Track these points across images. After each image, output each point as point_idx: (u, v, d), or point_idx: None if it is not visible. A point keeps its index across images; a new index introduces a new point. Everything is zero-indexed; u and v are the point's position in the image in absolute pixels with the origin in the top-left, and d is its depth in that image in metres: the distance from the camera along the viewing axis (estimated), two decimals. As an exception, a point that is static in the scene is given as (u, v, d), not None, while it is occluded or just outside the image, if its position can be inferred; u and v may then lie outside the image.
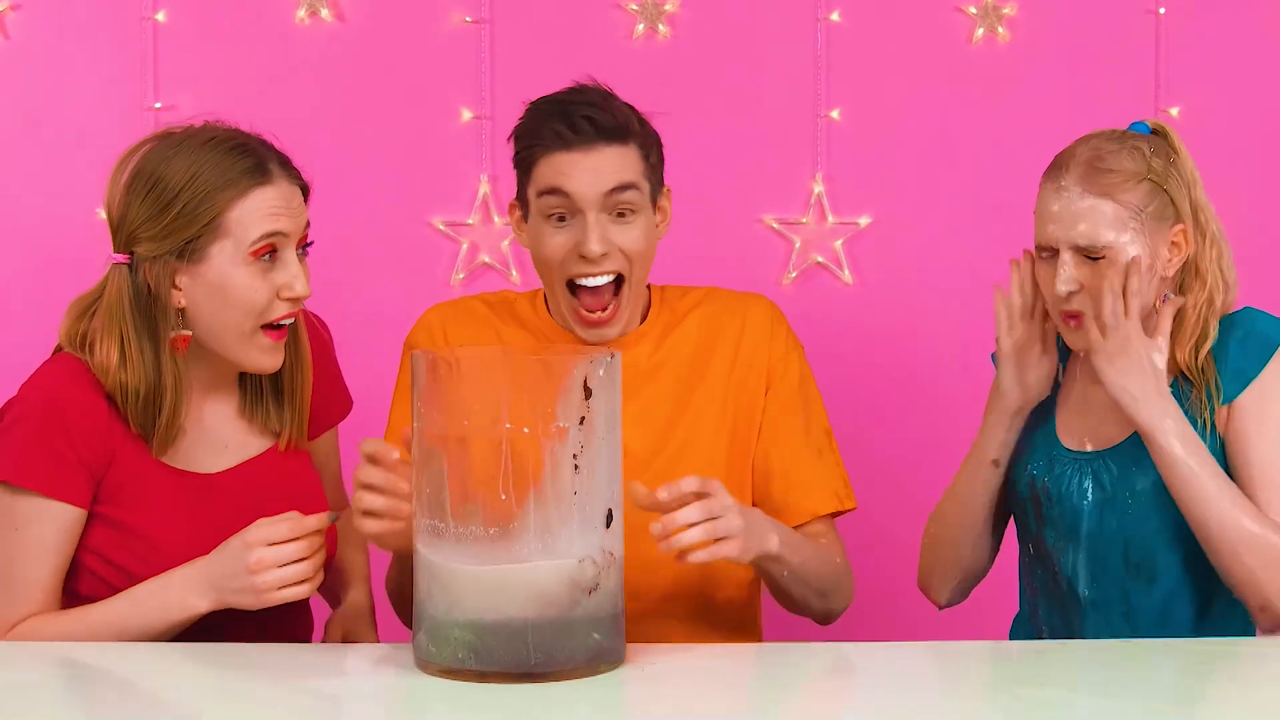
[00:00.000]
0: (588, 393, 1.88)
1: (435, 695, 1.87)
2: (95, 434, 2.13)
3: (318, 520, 2.08)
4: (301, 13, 3.08)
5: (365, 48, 3.09)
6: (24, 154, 3.08)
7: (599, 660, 1.90)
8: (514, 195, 2.33)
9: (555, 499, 1.86)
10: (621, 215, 2.25)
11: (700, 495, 2.02)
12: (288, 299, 2.14)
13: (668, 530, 2.00)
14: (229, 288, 2.12)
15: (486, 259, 3.12)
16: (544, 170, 2.24)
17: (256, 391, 2.24)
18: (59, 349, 2.20)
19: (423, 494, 1.90)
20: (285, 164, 2.16)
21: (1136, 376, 2.19)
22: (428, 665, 1.91)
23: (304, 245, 2.18)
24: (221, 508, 2.16)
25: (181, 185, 2.10)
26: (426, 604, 1.90)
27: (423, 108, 3.10)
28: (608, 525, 1.89)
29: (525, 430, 1.86)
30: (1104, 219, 2.21)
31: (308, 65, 3.09)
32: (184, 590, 2.08)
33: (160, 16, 3.07)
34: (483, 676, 1.87)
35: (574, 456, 1.87)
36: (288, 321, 2.17)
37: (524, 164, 2.28)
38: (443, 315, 2.37)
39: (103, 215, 2.22)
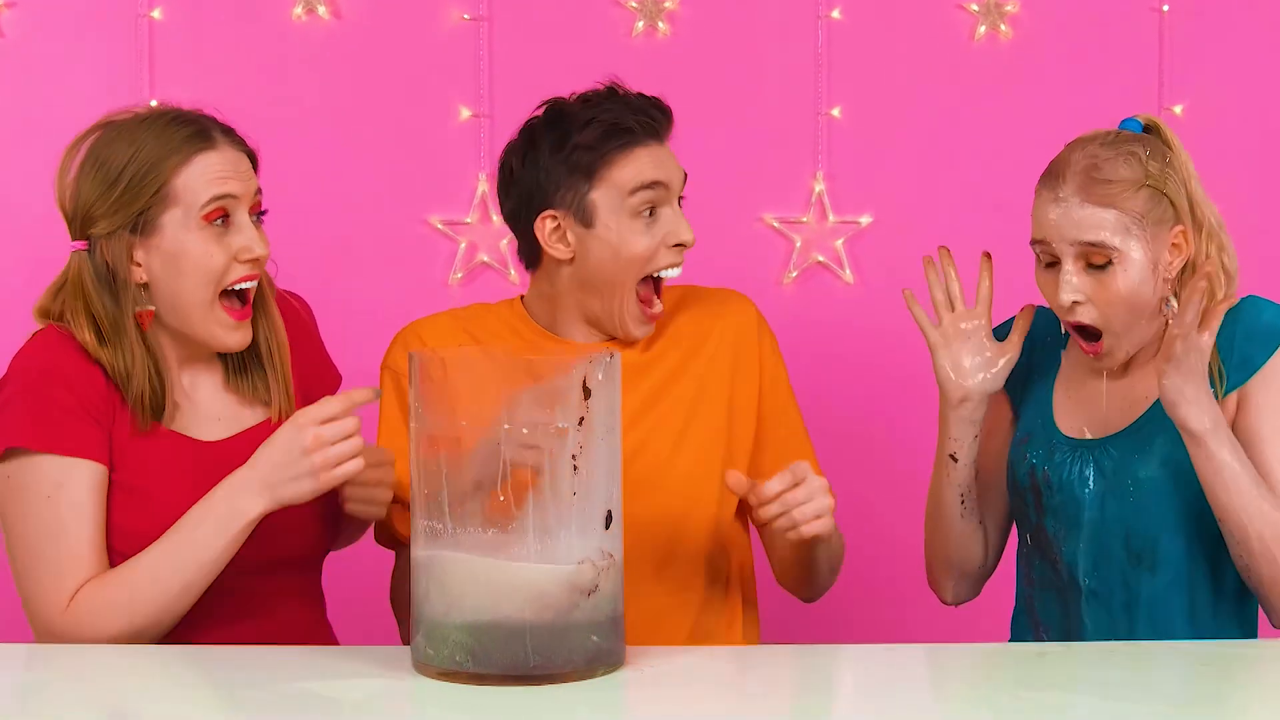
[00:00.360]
0: (587, 393, 1.87)
1: (433, 698, 1.86)
2: (97, 392, 2.13)
3: (363, 394, 2.08)
4: (298, 10, 3.08)
5: (363, 45, 3.09)
6: (19, 152, 3.07)
7: (598, 663, 1.89)
8: (546, 205, 2.28)
9: (554, 500, 1.85)
10: (683, 201, 2.33)
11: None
12: (246, 261, 2.16)
13: (762, 520, 2.12)
14: (184, 255, 2.14)
15: (485, 258, 3.11)
16: (634, 165, 2.26)
17: (239, 364, 2.25)
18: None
19: (420, 495, 1.89)
20: (228, 131, 2.19)
21: (1194, 380, 2.15)
22: (425, 668, 1.90)
23: (258, 213, 2.20)
24: (221, 475, 2.13)
25: (126, 160, 2.13)
26: (424, 606, 1.89)
27: (421, 106, 3.09)
28: (606, 526, 1.88)
29: (524, 431, 1.85)
30: (1106, 225, 2.20)
31: (305, 63, 3.09)
32: (233, 500, 2.06)
33: (156, 14, 3.07)
34: (480, 679, 1.85)
35: (573, 457, 1.86)
36: (248, 285, 2.18)
37: (600, 164, 2.26)
38: (419, 331, 2.36)
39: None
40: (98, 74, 3.07)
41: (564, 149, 2.25)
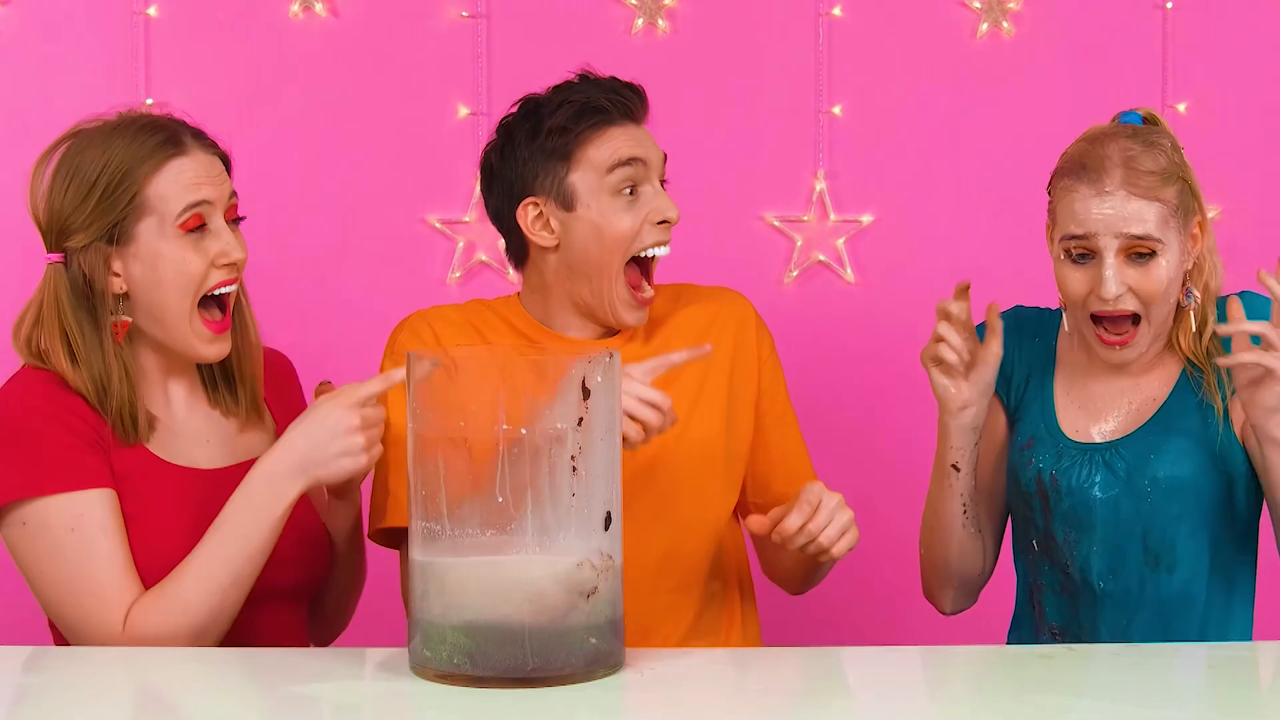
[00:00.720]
0: (586, 394, 1.86)
1: (430, 700, 1.84)
2: (84, 421, 2.12)
3: (402, 373, 2.06)
4: (295, 7, 3.07)
5: (360, 43, 3.08)
6: (13, 152, 3.05)
7: (597, 665, 1.87)
8: (526, 194, 2.29)
9: (553, 501, 1.84)
10: (664, 184, 2.32)
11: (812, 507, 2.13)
12: (224, 265, 2.16)
13: (789, 549, 2.15)
14: (161, 263, 2.13)
15: (483, 257, 3.09)
16: (610, 144, 2.26)
17: (212, 378, 2.25)
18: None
19: (418, 496, 1.88)
20: (199, 136, 2.19)
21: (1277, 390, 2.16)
22: (423, 670, 1.88)
23: (235, 219, 2.19)
24: (217, 505, 2.12)
25: (99, 170, 2.13)
26: (422, 608, 1.88)
27: (418, 104, 3.08)
28: (606, 528, 1.87)
29: (522, 431, 1.83)
30: (1153, 218, 2.21)
31: (302, 61, 3.08)
32: (270, 485, 2.06)
33: (152, 11, 3.06)
34: (479, 681, 1.84)
35: (572, 458, 1.84)
36: (228, 289, 2.17)
37: (576, 145, 2.26)
38: (428, 319, 2.35)
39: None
40: (93, 72, 3.06)
41: (539, 135, 2.26)
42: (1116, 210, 2.20)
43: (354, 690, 1.92)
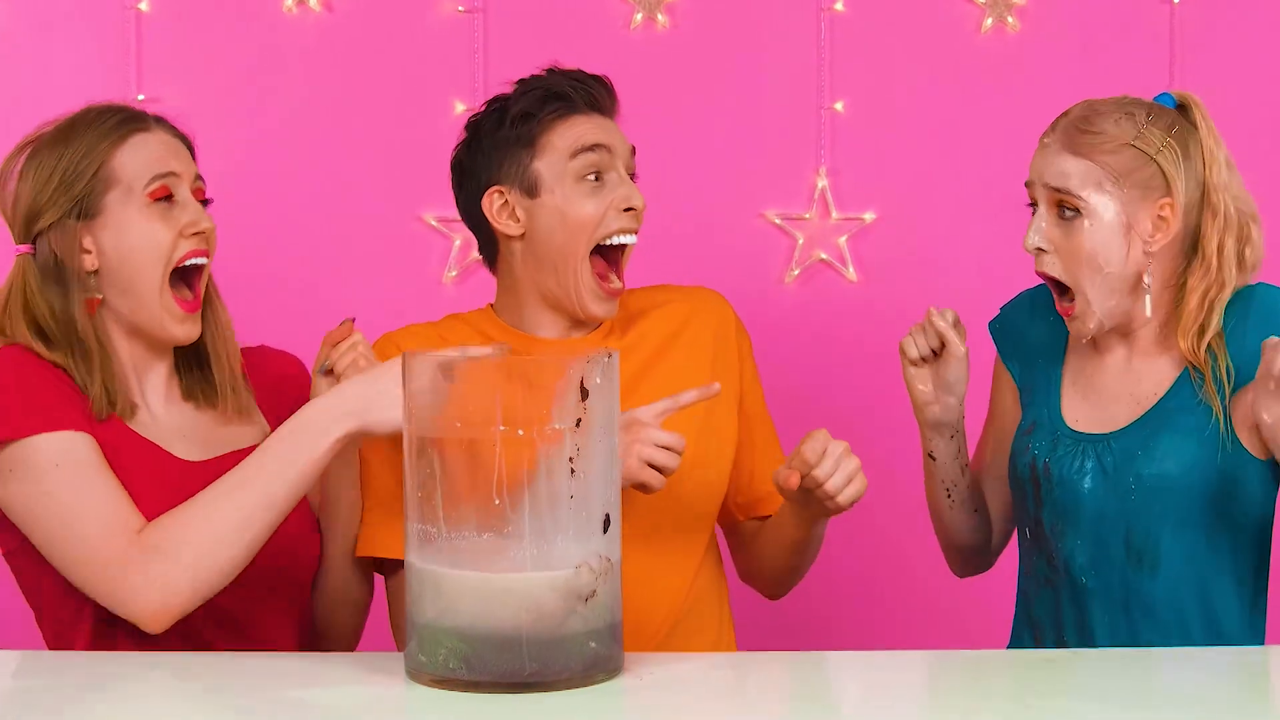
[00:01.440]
0: (584, 394, 1.84)
1: (427, 706, 1.83)
2: (68, 385, 2.12)
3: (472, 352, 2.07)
4: (289, 2, 3.07)
5: (355, 38, 3.09)
6: (6, 148, 3.03)
7: (596, 669, 1.86)
8: (492, 183, 2.29)
9: (550, 503, 1.82)
10: (634, 178, 2.33)
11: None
12: (193, 235, 2.17)
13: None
14: (130, 234, 2.16)
15: (479, 255, 3.06)
16: (574, 131, 2.27)
17: (186, 364, 2.25)
18: None
19: (414, 497, 1.86)
20: (161, 120, 2.23)
21: None
22: (419, 675, 1.87)
23: (202, 201, 2.21)
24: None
25: (63, 151, 2.16)
26: (417, 611, 1.86)
27: (414, 100, 3.09)
28: (605, 530, 1.85)
29: (520, 432, 1.82)
30: (1075, 174, 2.20)
31: (296, 56, 3.09)
32: (320, 419, 2.05)
33: (144, 6, 3.07)
34: (475, 686, 1.83)
35: (570, 460, 1.83)
36: (197, 261, 2.18)
37: (539, 131, 2.27)
38: (396, 341, 2.35)
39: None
40: (85, 68, 3.07)
41: (503, 124, 2.28)
42: (1047, 161, 2.22)
43: (349, 695, 1.90)
